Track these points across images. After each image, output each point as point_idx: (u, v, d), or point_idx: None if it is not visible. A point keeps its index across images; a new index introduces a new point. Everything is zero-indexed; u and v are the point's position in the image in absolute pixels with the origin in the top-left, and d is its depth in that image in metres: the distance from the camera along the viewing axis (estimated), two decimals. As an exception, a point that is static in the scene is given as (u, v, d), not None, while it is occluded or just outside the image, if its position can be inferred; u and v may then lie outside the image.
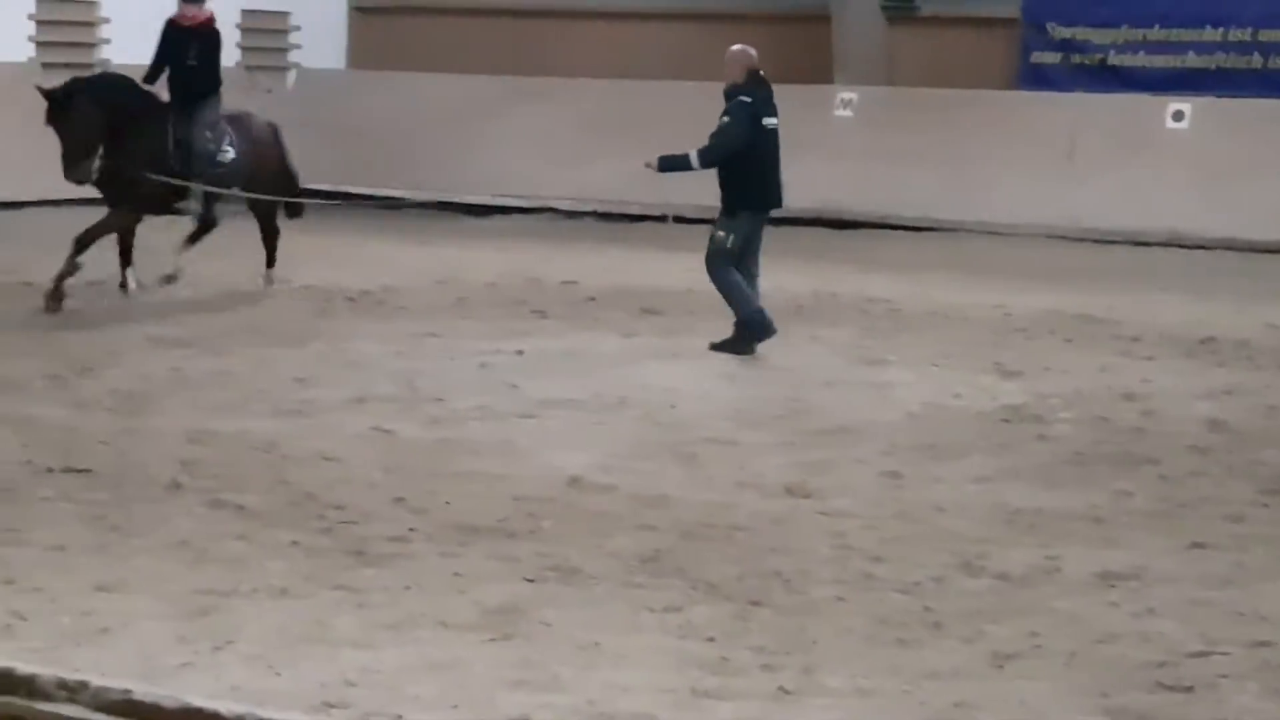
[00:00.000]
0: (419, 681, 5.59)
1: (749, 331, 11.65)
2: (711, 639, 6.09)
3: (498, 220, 19.82)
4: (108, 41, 20.64)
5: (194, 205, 13.65)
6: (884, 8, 20.72)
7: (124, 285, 13.60)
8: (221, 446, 8.75)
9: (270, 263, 14.26)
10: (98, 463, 8.33)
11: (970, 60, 20.31)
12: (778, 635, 6.15)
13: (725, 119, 11.69)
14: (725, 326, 12.25)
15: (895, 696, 5.63)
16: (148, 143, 13.25)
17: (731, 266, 11.68)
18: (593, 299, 14.05)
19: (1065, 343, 12.53)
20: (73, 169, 12.89)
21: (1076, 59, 19.92)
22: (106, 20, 20.66)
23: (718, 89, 20.97)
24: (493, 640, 6.01)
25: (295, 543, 7.11)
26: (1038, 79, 20.03)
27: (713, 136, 11.70)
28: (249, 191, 14.03)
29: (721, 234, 11.70)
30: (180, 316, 12.69)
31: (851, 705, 5.55)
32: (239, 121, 14.07)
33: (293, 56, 22.66)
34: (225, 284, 14.19)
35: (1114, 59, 19.74)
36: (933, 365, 11.52)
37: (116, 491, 7.85)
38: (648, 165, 11.92)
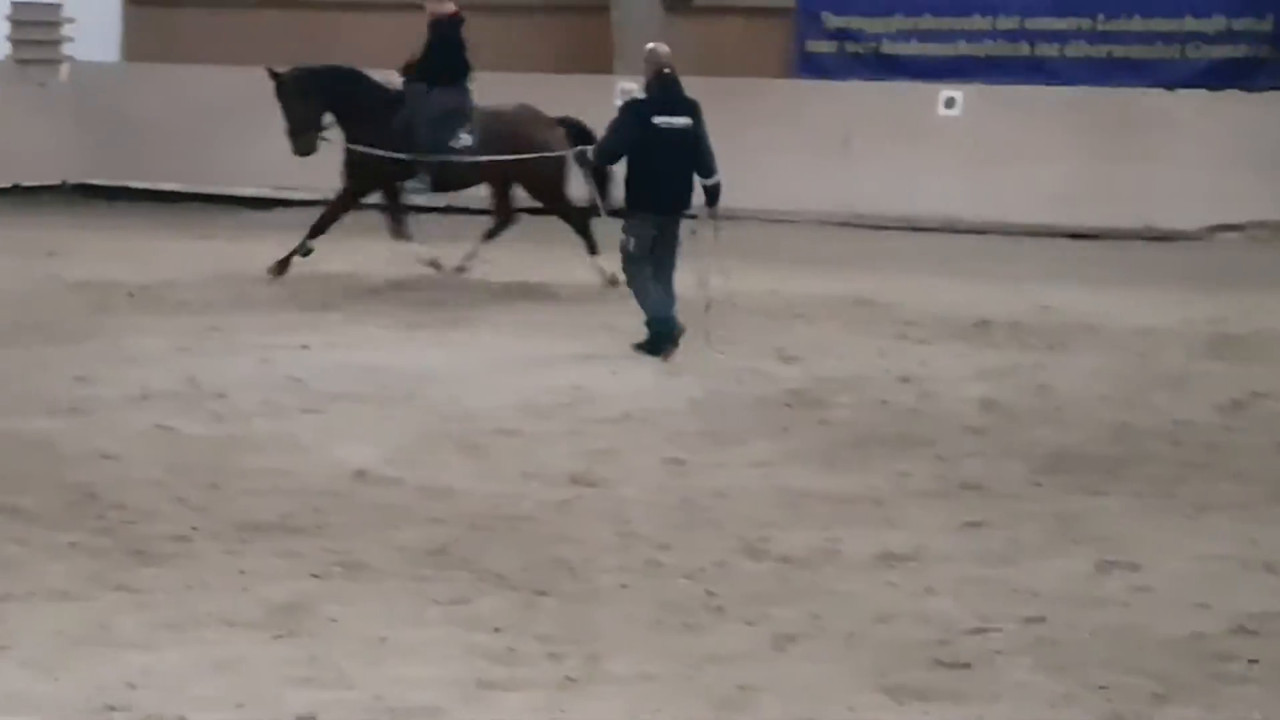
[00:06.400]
0: (203, 681, 5.55)
1: (655, 333, 11.42)
2: (498, 630, 6.12)
3: (279, 213, 19.60)
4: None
5: (417, 185, 14.46)
6: (662, -2, 20.87)
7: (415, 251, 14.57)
8: (-4, 448, 8.58)
9: (591, 250, 14.24)
10: None
11: (747, 49, 20.53)
12: (563, 624, 6.21)
13: (615, 118, 11.61)
14: (516, 317, 12.35)
15: (679, 681, 5.71)
16: (375, 128, 14.17)
17: (640, 268, 11.45)
18: (377, 291, 13.99)
19: (843, 327, 12.74)
20: (294, 142, 14.32)
21: (850, 48, 20.25)
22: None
23: (503, 79, 20.97)
24: (278, 638, 5.98)
25: (74, 544, 7.00)
26: (813, 68, 20.31)
27: (603, 135, 11.57)
28: (495, 182, 14.67)
29: (624, 237, 11.49)
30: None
31: (636, 691, 5.61)
32: (490, 110, 14.54)
33: (66, 49, 22.20)
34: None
35: (887, 47, 20.10)
36: (715, 352, 11.64)
37: (-114, 497, 7.66)
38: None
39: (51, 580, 6.53)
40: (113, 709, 5.28)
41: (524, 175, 14.50)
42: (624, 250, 11.52)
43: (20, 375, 10.38)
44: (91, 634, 5.97)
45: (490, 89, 20.25)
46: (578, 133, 14.59)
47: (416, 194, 14.79)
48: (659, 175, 11.43)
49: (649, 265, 11.50)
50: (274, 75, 14.47)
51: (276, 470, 8.27)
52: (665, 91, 11.60)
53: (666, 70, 11.64)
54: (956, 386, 10.66)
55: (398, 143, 14.17)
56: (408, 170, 14.33)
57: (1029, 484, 8.41)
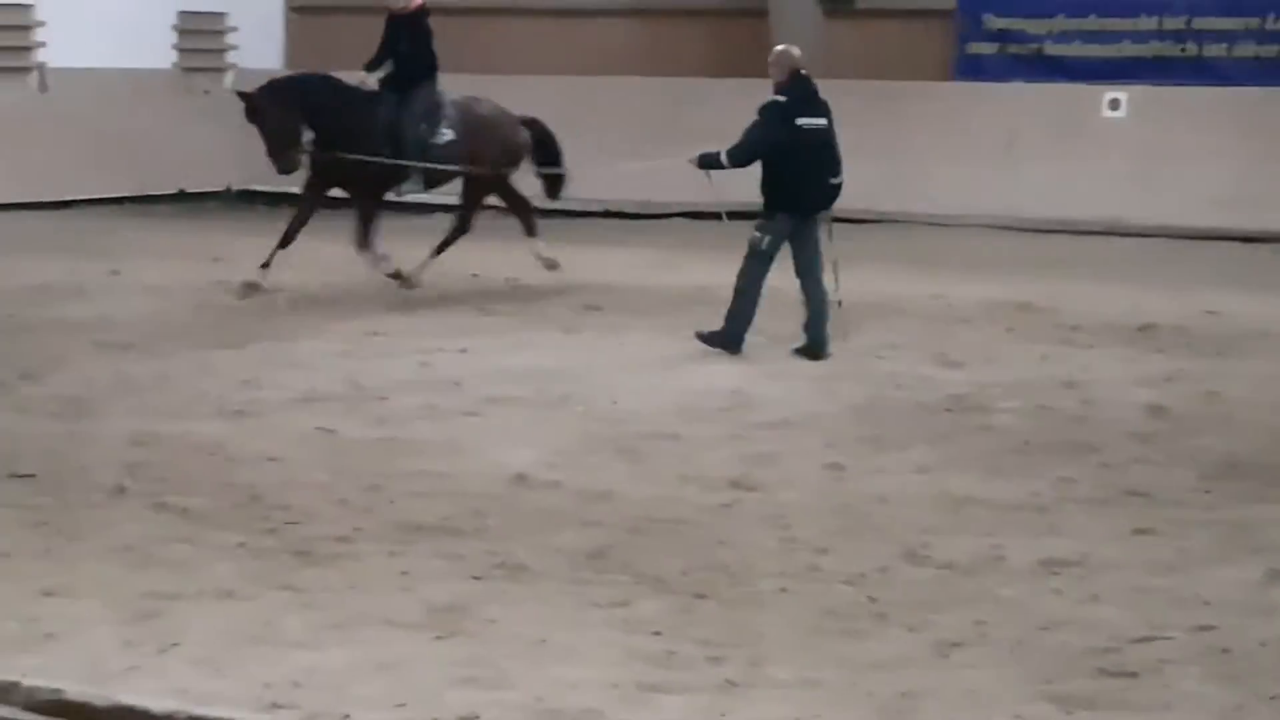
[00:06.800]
0: (366, 681, 5.60)
1: (728, 333, 11.49)
2: (658, 633, 6.11)
3: (440, 218, 19.72)
4: (43, 45, 20.59)
5: (412, 186, 14.15)
6: (820, 1, 20.76)
7: (266, 265, 13.73)
8: (166, 449, 8.73)
9: (530, 231, 14.47)
10: (41, 468, 8.29)
11: (907, 52, 20.39)
12: (724, 628, 6.18)
13: (754, 119, 11.51)
14: (672, 321, 12.37)
15: (842, 687, 5.66)
16: (359, 131, 13.75)
17: (762, 269, 11.48)
18: (536, 296, 14.05)
19: (1006, 332, 12.61)
20: (278, 162, 13.70)
21: (1012, 49, 20.04)
22: (42, 24, 20.60)
23: (661, 84, 20.94)
24: (439, 638, 6.02)
25: (241, 544, 7.11)
26: (974, 70, 20.13)
27: (742, 136, 11.51)
28: (473, 174, 14.31)
29: (757, 235, 11.49)
30: (124, 320, 12.63)
31: (798, 696, 5.58)
32: (464, 105, 14.35)
33: (230, 57, 22.55)
34: (166, 286, 14.13)
35: (1050, 49, 19.87)
36: (875, 356, 11.57)
37: (60, 496, 7.82)
38: (690, 161, 11.74)
39: (219, 580, 6.62)
40: (278, 707, 5.34)
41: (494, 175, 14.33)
42: (755, 247, 11.49)
43: (189, 379, 10.56)
44: (257, 633, 6.05)
45: (644, 93, 20.37)
46: (541, 136, 14.54)
47: (411, 194, 14.51)
48: (801, 176, 11.46)
49: (769, 269, 11.50)
50: (243, 96, 13.82)
51: (437, 473, 8.34)
52: (805, 92, 11.60)
53: (803, 71, 11.64)
54: (1122, 392, 10.50)
55: (383, 147, 13.81)
56: (400, 173, 13.98)
57: (1197, 491, 8.26)
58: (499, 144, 14.39)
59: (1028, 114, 19.13)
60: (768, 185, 11.51)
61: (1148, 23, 19.44)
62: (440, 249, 14.35)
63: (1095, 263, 16.27)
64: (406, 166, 13.90)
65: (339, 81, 14.15)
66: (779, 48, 11.86)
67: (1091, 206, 18.37)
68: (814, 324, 11.53)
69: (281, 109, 13.67)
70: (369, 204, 14.05)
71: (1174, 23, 19.35)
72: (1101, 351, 11.89)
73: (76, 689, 3.33)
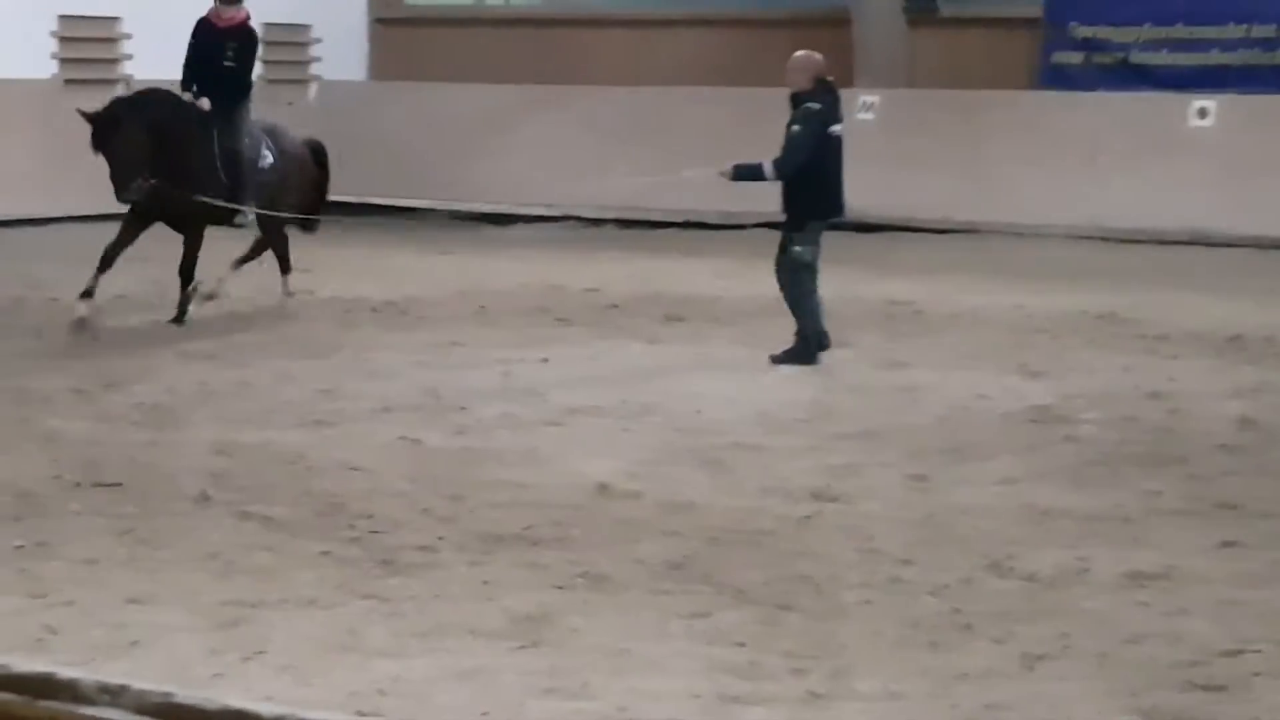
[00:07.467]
0: (448, 690, 5.61)
1: (801, 350, 11.49)
2: (740, 644, 6.09)
3: (519, 229, 19.83)
4: (130, 57, 20.73)
5: (248, 218, 13.35)
6: (904, 10, 20.69)
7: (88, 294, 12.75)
8: (248, 458, 8.78)
9: (285, 269, 13.96)
10: (126, 476, 8.36)
11: (991, 61, 20.27)
12: (806, 639, 6.15)
13: (795, 128, 11.31)
14: (753, 331, 12.33)
15: (925, 699, 5.63)
16: (197, 157, 12.95)
17: (813, 280, 11.47)
18: (616, 306, 14.06)
19: (1090, 343, 12.51)
20: (123, 190, 12.63)
21: (1098, 58, 19.89)
22: (129, 36, 20.73)
23: (737, 94, 20.92)
24: (521, 648, 6.02)
25: (324, 553, 7.13)
26: (1059, 79, 19.99)
27: (784, 147, 11.37)
28: (278, 201, 13.72)
29: (799, 249, 11.44)
30: (206, 330, 12.72)
31: (882, 708, 5.54)
32: (272, 131, 13.85)
33: (314, 69, 22.71)
34: (250, 297, 14.23)
35: (1136, 58, 19.71)
36: (957, 367, 11.50)
37: (145, 504, 7.87)
38: (722, 173, 11.67)
39: (302, 588, 6.65)
40: (363, 715, 5.34)
41: (295, 194, 13.85)
42: (801, 261, 11.45)
43: (270, 388, 10.62)
44: (341, 641, 6.07)
45: (721, 104, 20.33)
46: (321, 163, 14.24)
47: (243, 226, 13.41)
48: (832, 183, 11.47)
49: (819, 276, 11.56)
50: (88, 117, 12.57)
51: (518, 483, 8.34)
52: (833, 98, 11.57)
53: (830, 78, 11.60)
54: (1209, 403, 10.39)
55: (223, 176, 12.98)
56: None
57: (1286, 504, 8.17)
58: (310, 177, 14.01)
59: (1113, 123, 18.98)
60: (798, 194, 11.39)
61: (1236, 31, 19.25)
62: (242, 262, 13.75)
63: (1181, 273, 16.11)
64: (244, 200, 13.09)
65: (180, 100, 13.12)
66: (801, 53, 11.67)
67: (1177, 216, 18.20)
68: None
69: (132, 132, 12.60)
70: (198, 236, 13.15)
71: (1263, 30, 19.15)
72: (1188, 362, 11.78)
73: (186, 692, 3.35)
